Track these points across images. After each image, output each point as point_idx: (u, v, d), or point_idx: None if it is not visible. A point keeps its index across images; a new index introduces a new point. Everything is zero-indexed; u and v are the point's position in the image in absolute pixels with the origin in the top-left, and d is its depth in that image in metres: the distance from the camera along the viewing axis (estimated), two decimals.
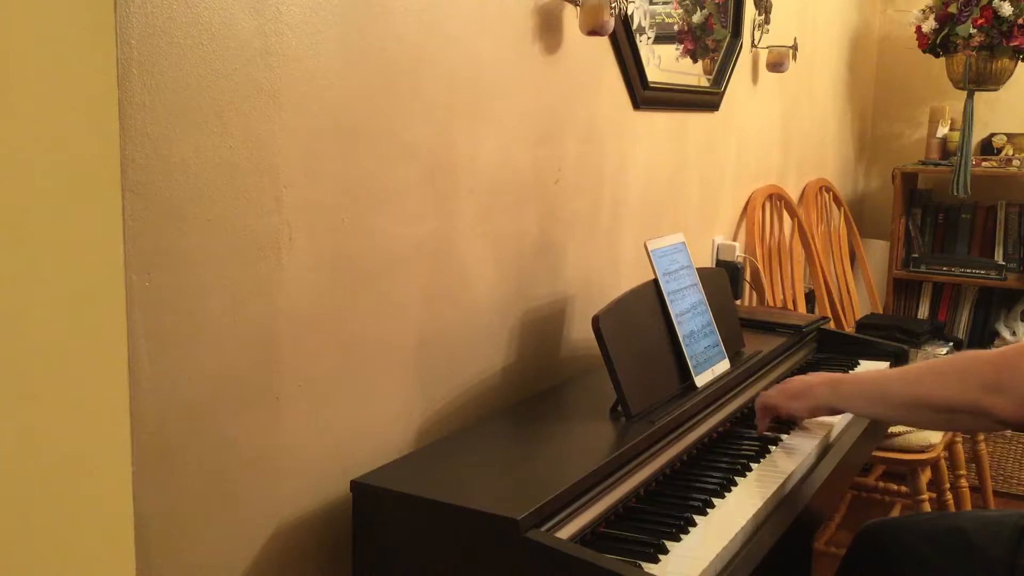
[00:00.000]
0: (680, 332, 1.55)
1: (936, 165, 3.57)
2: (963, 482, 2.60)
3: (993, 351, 1.23)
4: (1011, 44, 3.15)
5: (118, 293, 0.74)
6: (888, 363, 1.99)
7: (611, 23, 1.65)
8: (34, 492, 0.71)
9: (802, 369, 1.92)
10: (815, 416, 1.50)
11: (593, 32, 1.67)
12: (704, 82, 2.36)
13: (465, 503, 1.10)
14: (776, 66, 2.66)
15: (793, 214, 2.96)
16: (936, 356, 2.82)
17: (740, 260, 2.56)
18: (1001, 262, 3.46)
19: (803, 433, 1.55)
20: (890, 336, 2.71)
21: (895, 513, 2.63)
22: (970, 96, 3.35)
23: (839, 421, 1.59)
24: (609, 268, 1.97)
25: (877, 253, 3.75)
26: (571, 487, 1.16)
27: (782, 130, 2.98)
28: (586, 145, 1.83)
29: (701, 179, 2.40)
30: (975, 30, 3.16)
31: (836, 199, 3.40)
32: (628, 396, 1.39)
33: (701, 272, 1.70)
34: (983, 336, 3.59)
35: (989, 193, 3.55)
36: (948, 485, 2.48)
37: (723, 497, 1.28)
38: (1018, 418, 1.20)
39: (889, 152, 3.95)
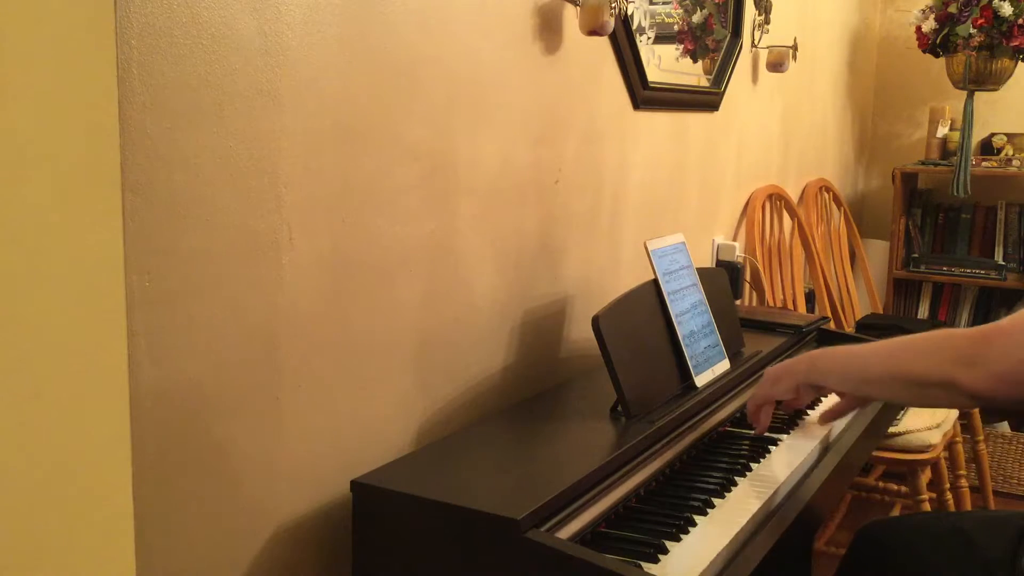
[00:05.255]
0: (680, 332, 1.55)
1: (936, 165, 3.57)
2: (963, 482, 2.60)
3: (971, 328, 1.23)
4: (1011, 44, 3.14)
5: (118, 293, 0.74)
6: None
7: (611, 23, 1.65)
8: (34, 492, 0.71)
9: None
10: (800, 396, 1.47)
11: (593, 32, 1.67)
12: (704, 82, 2.36)
13: (465, 503, 1.10)
14: (776, 66, 2.66)
15: (793, 214, 2.96)
16: None
17: (740, 260, 2.56)
18: (1001, 262, 3.46)
19: (803, 433, 1.55)
20: (890, 336, 2.70)
21: (895, 513, 2.63)
22: (970, 96, 3.35)
23: (839, 421, 1.59)
24: (609, 268, 1.97)
25: (877, 253, 3.75)
26: (571, 487, 1.16)
27: (782, 130, 2.98)
28: (586, 145, 1.83)
29: (701, 179, 2.40)
30: (975, 30, 3.16)
31: (836, 199, 3.40)
32: (628, 396, 1.39)
33: (701, 272, 1.70)
34: None
35: (989, 193, 3.55)
36: (948, 485, 2.48)
37: (723, 497, 1.28)
38: (988, 392, 1.18)
39: (889, 152, 3.95)
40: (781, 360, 1.89)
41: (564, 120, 1.75)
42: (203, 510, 1.11)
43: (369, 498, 1.18)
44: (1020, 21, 3.11)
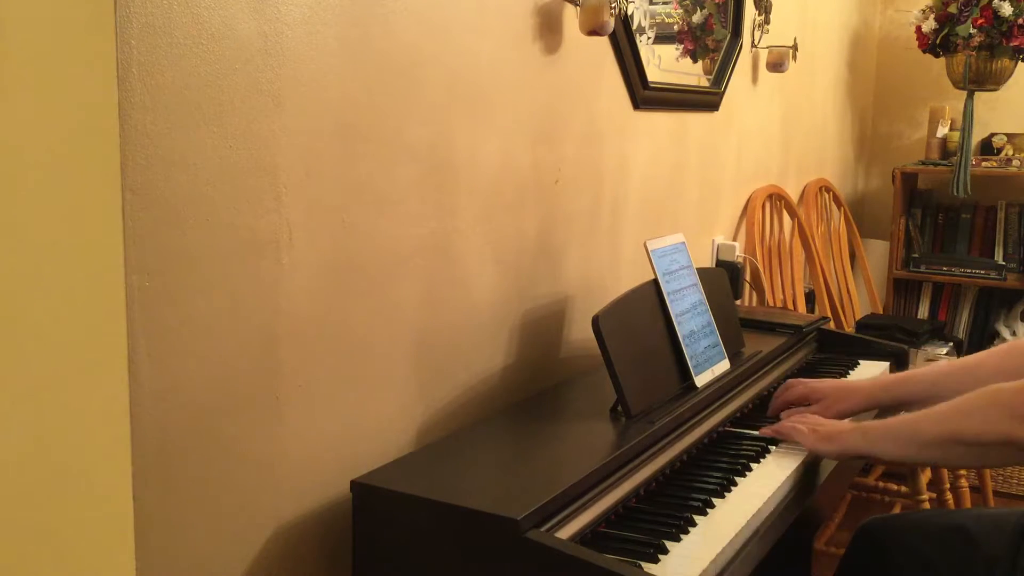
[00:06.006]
0: (680, 332, 1.55)
1: (936, 165, 3.57)
2: (963, 482, 2.60)
3: (1013, 382, 1.23)
4: (1011, 44, 3.14)
5: (118, 293, 0.74)
6: (888, 363, 1.99)
7: (611, 23, 1.65)
8: (34, 492, 0.71)
9: (802, 369, 1.92)
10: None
11: (593, 32, 1.67)
12: (704, 82, 2.36)
13: (465, 503, 1.10)
14: (776, 66, 2.66)
15: (793, 214, 2.96)
16: (936, 356, 2.82)
17: (740, 260, 2.56)
18: (1001, 262, 3.46)
19: None
20: (890, 336, 2.70)
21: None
22: (970, 96, 3.35)
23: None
24: (609, 268, 1.97)
25: (877, 253, 3.75)
26: (571, 487, 1.16)
27: (782, 130, 2.98)
28: (586, 145, 1.83)
29: (701, 179, 2.40)
30: (975, 30, 3.16)
31: (836, 199, 3.40)
32: (628, 396, 1.39)
33: (701, 272, 1.70)
34: (983, 336, 3.59)
35: (989, 193, 3.55)
36: (948, 485, 2.48)
37: (723, 497, 1.28)
38: None
39: (889, 152, 3.95)
40: (781, 361, 1.89)
41: (564, 120, 1.75)
42: (203, 510, 1.11)
43: (369, 498, 1.18)
44: (1020, 21, 3.11)
